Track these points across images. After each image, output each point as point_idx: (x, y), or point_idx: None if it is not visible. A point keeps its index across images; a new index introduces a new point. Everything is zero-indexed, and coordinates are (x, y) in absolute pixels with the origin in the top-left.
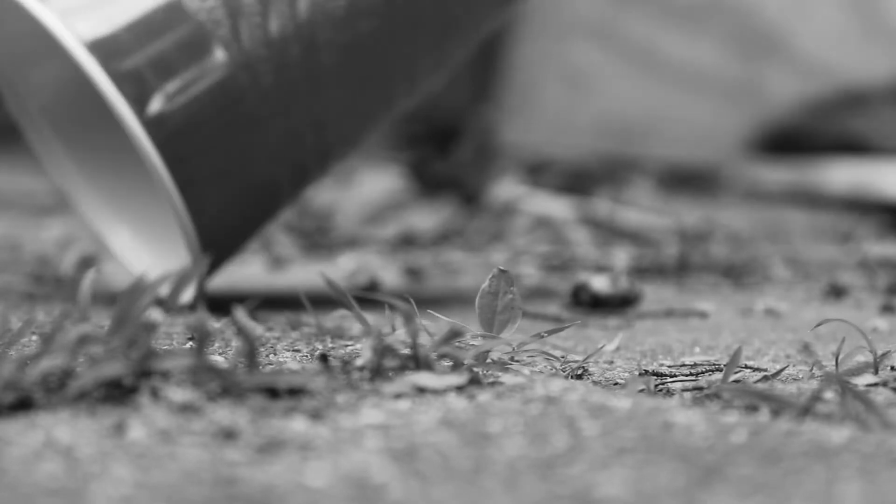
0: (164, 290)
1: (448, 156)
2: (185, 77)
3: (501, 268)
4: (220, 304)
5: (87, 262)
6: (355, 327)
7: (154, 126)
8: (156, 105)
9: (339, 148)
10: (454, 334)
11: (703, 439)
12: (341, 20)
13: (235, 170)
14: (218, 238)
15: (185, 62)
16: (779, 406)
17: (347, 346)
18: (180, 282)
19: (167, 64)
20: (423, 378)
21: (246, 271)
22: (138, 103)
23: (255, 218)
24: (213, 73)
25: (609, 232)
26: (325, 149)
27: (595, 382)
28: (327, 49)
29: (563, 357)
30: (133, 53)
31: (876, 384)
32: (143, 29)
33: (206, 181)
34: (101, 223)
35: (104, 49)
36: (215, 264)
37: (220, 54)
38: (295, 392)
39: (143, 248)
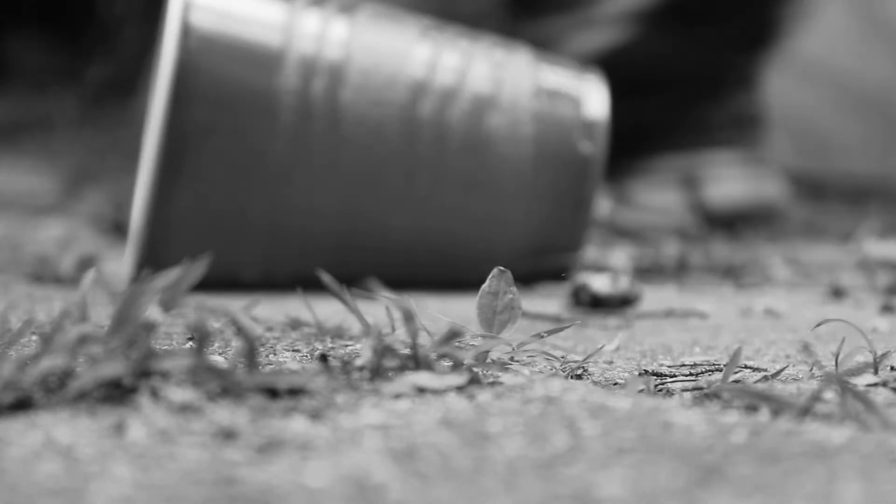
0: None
1: None
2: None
3: (501, 268)
4: (218, 303)
5: (87, 262)
6: (355, 327)
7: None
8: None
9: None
10: (454, 334)
11: (702, 439)
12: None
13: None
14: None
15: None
16: (779, 406)
17: (347, 346)
18: (177, 283)
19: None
20: (423, 378)
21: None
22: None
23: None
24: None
25: (609, 232)
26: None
27: (595, 382)
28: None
29: (562, 357)
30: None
31: (876, 384)
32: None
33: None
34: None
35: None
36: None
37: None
38: (295, 392)
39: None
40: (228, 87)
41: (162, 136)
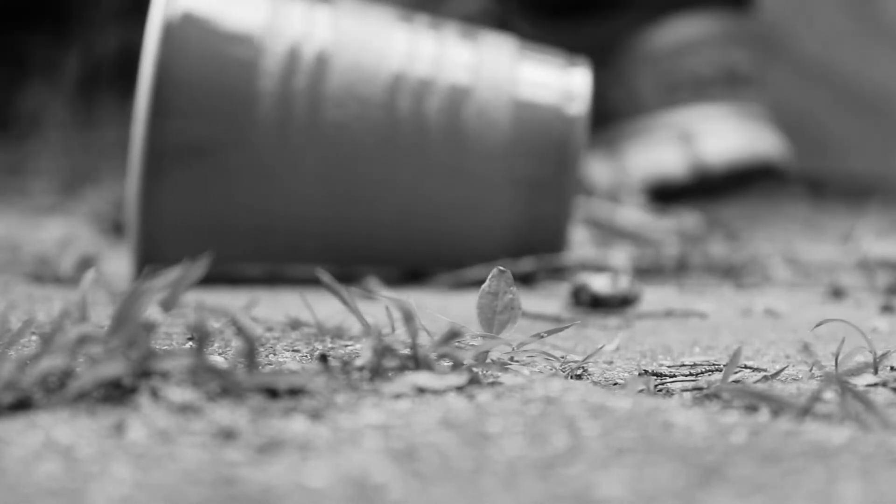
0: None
1: None
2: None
3: (501, 268)
4: (217, 302)
5: (87, 262)
6: (355, 327)
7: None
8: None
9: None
10: (454, 334)
11: (702, 439)
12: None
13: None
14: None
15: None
16: (778, 406)
17: (347, 346)
18: (178, 283)
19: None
20: (423, 378)
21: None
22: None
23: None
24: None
25: (609, 232)
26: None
27: (595, 382)
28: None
29: (562, 357)
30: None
31: (876, 384)
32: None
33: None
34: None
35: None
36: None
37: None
38: (295, 392)
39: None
40: (210, 85)
41: (146, 137)
